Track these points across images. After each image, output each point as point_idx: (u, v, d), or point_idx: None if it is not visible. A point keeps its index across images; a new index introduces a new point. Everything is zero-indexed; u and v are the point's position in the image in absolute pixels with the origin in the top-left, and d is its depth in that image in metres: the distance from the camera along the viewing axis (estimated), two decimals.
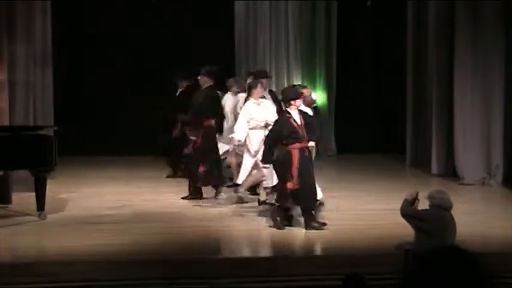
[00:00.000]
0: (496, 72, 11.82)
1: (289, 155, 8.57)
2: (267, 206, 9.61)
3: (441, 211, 6.89)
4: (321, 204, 9.70)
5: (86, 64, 15.25)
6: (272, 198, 9.36)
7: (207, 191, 10.42)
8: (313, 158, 9.59)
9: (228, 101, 11.64)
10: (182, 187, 11.07)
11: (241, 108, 10.49)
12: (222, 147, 10.71)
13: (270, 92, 11.31)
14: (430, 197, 6.95)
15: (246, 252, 7.99)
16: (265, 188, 9.86)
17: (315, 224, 8.58)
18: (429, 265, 2.23)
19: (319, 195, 9.39)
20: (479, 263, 2.21)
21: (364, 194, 10.96)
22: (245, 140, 9.78)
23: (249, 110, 9.86)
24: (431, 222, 6.81)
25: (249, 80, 10.80)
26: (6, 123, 10.91)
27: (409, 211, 7.13)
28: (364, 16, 15.86)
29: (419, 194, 7.24)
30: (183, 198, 10.40)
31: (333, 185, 11.76)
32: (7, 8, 11.33)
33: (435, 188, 11.94)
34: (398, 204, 9.79)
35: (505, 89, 11.88)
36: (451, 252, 2.23)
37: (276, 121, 9.00)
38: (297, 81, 15.70)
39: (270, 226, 8.71)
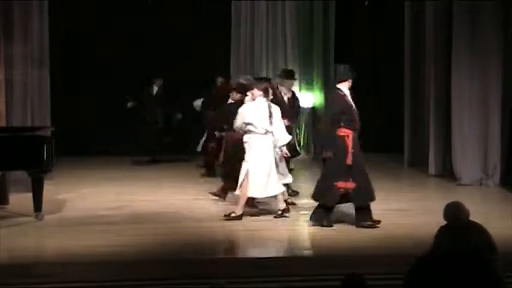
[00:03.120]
0: (494, 73, 11.82)
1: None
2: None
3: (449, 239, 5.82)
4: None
5: (83, 64, 15.23)
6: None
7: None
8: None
9: None
10: (181, 187, 11.09)
11: None
12: None
13: None
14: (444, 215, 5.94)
15: (245, 253, 7.98)
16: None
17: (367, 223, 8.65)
18: (437, 267, 2.22)
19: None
20: (488, 265, 2.21)
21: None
22: None
23: None
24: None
25: None
26: (3, 124, 10.89)
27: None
28: (362, 16, 15.86)
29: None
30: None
31: None
32: (4, 7, 11.31)
33: (432, 188, 12.05)
34: (396, 205, 9.85)
35: (502, 90, 11.88)
36: (459, 255, 2.22)
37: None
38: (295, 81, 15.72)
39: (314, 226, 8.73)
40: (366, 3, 15.35)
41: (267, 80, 13.37)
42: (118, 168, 13.60)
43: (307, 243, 8.55)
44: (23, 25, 11.65)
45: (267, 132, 9.05)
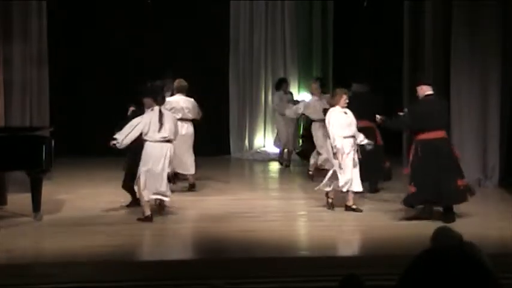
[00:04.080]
0: (493, 73, 11.83)
1: None
2: None
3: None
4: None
5: (82, 64, 15.21)
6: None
7: None
8: None
9: None
10: (176, 187, 11.08)
11: None
12: None
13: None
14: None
15: (244, 253, 7.96)
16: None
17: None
18: (432, 265, 2.22)
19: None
20: (483, 265, 2.20)
21: (360, 194, 10.94)
22: None
23: None
24: None
25: None
26: (2, 124, 10.87)
27: None
28: (361, 16, 15.85)
29: None
30: None
31: None
32: (3, 8, 11.30)
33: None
34: (395, 205, 9.83)
35: (501, 91, 11.88)
36: (454, 253, 2.22)
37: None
38: (293, 82, 15.71)
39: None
40: (365, 3, 15.35)
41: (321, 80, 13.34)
42: (117, 169, 13.55)
43: (307, 243, 8.55)
44: (23, 25, 11.63)
45: (160, 139, 9.28)
